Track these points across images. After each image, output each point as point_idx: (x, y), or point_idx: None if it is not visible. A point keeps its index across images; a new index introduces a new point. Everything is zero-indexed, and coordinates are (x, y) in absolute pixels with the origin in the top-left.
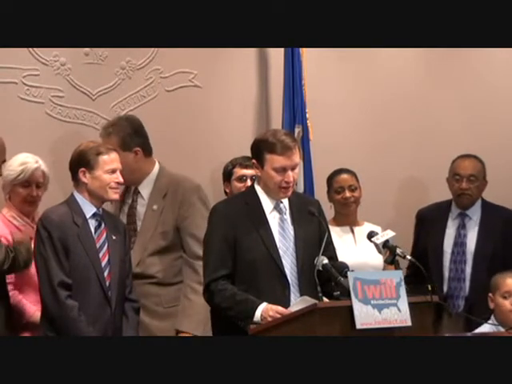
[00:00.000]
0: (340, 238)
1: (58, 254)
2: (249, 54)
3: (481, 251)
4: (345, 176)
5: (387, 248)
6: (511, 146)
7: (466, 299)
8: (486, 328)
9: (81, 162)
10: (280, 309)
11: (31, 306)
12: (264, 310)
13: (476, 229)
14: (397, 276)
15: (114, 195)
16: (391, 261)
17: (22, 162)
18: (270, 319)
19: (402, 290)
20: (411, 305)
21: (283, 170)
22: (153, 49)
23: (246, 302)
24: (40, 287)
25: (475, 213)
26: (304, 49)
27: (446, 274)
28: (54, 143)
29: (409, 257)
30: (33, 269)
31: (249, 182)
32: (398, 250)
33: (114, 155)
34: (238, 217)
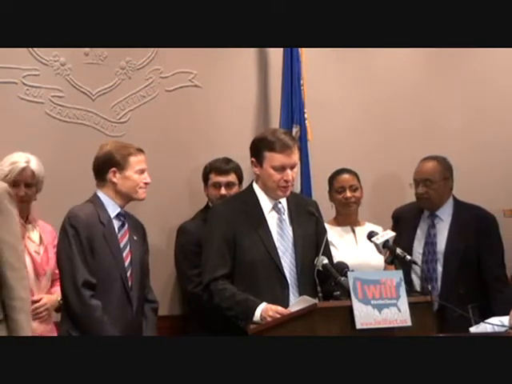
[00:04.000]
0: (341, 237)
1: (84, 253)
2: (248, 54)
3: (451, 250)
4: (346, 176)
5: (387, 248)
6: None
7: (439, 297)
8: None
9: (111, 162)
10: (280, 309)
11: None
12: (264, 310)
13: (447, 228)
14: (397, 276)
15: (143, 195)
16: (391, 261)
17: (12, 161)
18: (269, 319)
19: (402, 290)
20: (411, 305)
21: (282, 169)
22: (153, 49)
23: (245, 302)
24: (63, 286)
25: (445, 212)
26: (303, 49)
27: (418, 273)
28: (54, 143)
29: (409, 257)
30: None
31: (223, 190)
32: (398, 250)
33: (142, 156)
34: (237, 217)
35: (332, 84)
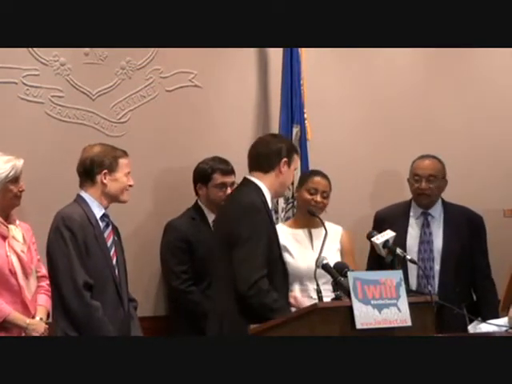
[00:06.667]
0: (297, 241)
1: (82, 255)
2: (248, 54)
3: (448, 249)
4: (321, 180)
5: (387, 248)
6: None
7: (437, 296)
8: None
9: (102, 164)
10: None
11: (7, 306)
12: None
13: (440, 227)
14: (397, 276)
15: (128, 197)
16: (391, 261)
17: (6, 160)
18: None
19: (402, 290)
20: (411, 305)
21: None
22: (153, 49)
23: (284, 310)
24: (61, 287)
25: (437, 212)
26: (303, 49)
27: (415, 272)
28: (54, 143)
29: (408, 257)
30: (6, 269)
31: (229, 190)
32: (398, 250)
33: (128, 159)
34: (266, 214)
35: (332, 84)
